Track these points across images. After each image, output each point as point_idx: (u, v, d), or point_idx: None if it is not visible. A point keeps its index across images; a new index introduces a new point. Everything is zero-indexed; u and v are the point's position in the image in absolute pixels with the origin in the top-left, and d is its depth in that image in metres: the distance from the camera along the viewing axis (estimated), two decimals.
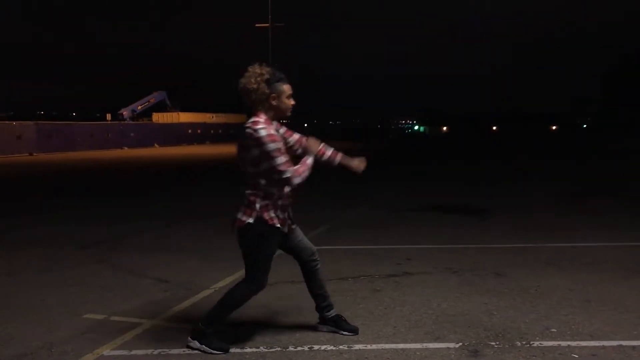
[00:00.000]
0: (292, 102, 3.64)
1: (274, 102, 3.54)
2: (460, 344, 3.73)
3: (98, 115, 53.68)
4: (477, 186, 13.60)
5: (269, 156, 3.41)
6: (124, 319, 4.28)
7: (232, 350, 3.64)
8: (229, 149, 37.08)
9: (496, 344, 3.72)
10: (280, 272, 5.60)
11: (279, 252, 3.73)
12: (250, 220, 3.49)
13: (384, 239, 7.22)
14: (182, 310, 4.47)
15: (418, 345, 3.70)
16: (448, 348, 3.66)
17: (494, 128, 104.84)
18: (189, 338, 3.69)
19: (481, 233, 7.58)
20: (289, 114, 3.64)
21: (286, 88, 3.59)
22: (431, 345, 3.70)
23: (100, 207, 10.49)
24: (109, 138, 39.78)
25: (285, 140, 3.66)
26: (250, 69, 3.53)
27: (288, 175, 3.43)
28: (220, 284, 5.23)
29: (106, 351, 3.64)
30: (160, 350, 3.65)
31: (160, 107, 54.12)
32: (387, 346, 3.69)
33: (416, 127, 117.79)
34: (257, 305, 4.56)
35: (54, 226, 8.46)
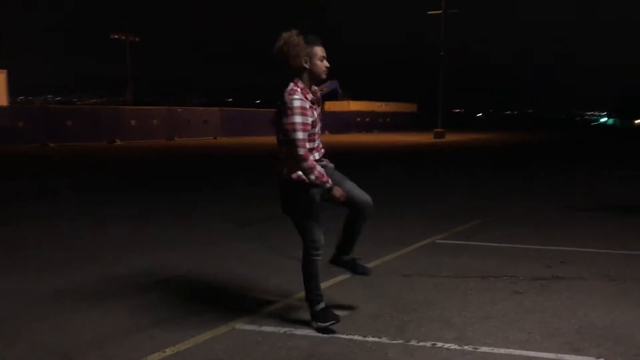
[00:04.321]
0: (325, 64, 3.64)
1: (306, 65, 3.57)
2: (602, 359, 3.37)
3: (279, 102, 56.65)
4: None
5: (292, 127, 3.47)
6: (261, 295, 4.53)
7: (354, 337, 3.67)
8: (394, 138, 37.15)
9: None
10: (418, 265, 5.53)
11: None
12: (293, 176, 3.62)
13: (540, 238, 6.74)
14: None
15: (551, 356, 3.41)
16: None
17: None
18: (312, 321, 3.80)
19: None
20: (324, 76, 3.66)
21: (318, 50, 3.60)
22: (566, 357, 3.39)
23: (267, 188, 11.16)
24: None
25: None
26: (283, 34, 3.58)
27: (301, 153, 3.49)
28: None
29: (239, 324, 3.88)
30: (287, 329, 3.80)
31: (333, 96, 55.77)
32: (516, 352, 3.46)
33: (604, 120, 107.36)
34: (386, 294, 4.55)
35: (219, 203, 9.20)
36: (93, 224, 7.62)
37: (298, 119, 3.48)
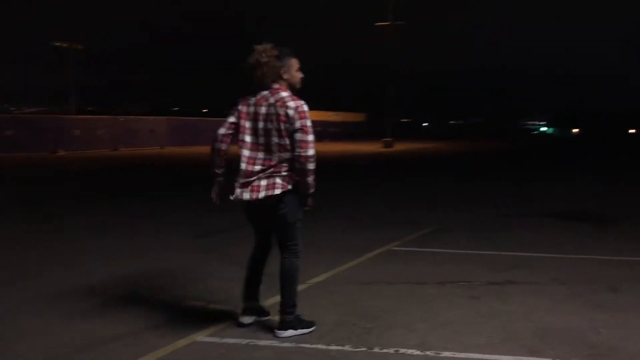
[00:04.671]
0: (300, 74, 3.82)
1: (285, 76, 3.73)
2: None
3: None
4: (611, 194, 12.66)
5: (307, 130, 3.61)
6: (222, 307, 4.47)
7: (317, 346, 3.67)
8: (345, 147, 37.44)
9: None
10: (375, 272, 5.58)
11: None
12: (290, 187, 3.68)
13: (492, 244, 6.92)
14: (277, 303, 4.54)
15: (510, 358, 3.51)
16: None
17: (632, 131, 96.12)
18: (277, 331, 3.78)
19: (601, 244, 7.04)
20: (299, 86, 3.81)
21: (294, 62, 3.78)
22: (524, 359, 3.49)
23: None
24: None
25: None
26: (258, 47, 3.68)
27: (313, 154, 3.63)
28: (317, 279, 5.29)
29: (200, 337, 3.81)
30: (250, 340, 3.76)
31: None
32: (476, 356, 3.53)
33: (543, 129, 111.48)
34: (346, 303, 4.57)
35: (175, 214, 9.04)
36: (47, 234, 7.35)
37: (310, 122, 3.65)
